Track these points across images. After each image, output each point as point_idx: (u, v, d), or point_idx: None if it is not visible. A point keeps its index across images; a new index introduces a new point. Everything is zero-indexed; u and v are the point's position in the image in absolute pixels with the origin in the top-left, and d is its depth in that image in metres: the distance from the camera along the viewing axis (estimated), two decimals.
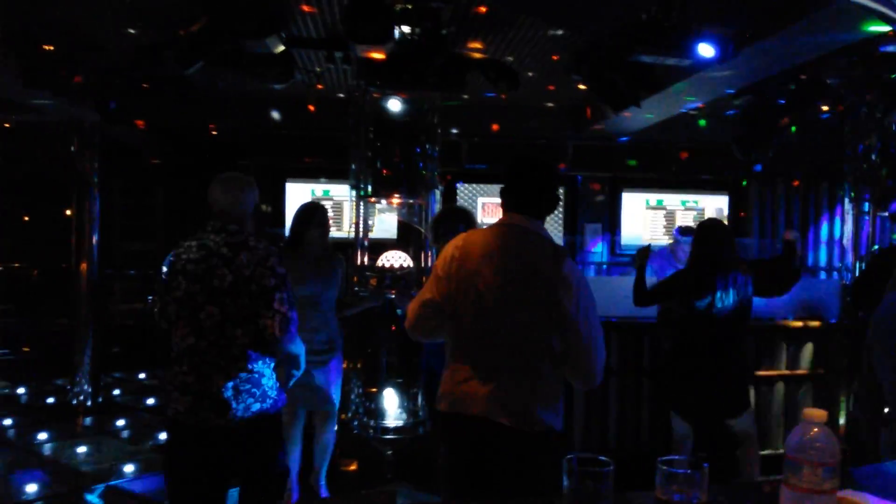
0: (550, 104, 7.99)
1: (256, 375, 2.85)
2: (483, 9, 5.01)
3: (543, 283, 2.55)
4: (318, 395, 4.32)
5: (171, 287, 2.86)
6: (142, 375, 8.23)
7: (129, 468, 5.20)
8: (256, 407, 2.84)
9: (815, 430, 1.31)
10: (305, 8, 5.01)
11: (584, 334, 2.54)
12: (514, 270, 2.60)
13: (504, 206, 2.77)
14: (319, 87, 7.02)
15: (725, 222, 7.91)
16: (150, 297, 9.36)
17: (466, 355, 2.64)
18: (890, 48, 4.88)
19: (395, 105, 5.97)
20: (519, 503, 2.32)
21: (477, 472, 2.60)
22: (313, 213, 4.42)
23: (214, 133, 8.89)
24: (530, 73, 6.48)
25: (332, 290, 4.37)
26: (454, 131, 7.94)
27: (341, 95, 7.37)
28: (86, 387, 6.92)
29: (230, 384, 2.79)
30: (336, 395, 4.44)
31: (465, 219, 4.32)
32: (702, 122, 7.65)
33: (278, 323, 2.81)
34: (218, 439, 2.81)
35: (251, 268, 2.82)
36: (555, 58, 6.02)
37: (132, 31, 5.59)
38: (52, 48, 5.76)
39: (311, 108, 7.99)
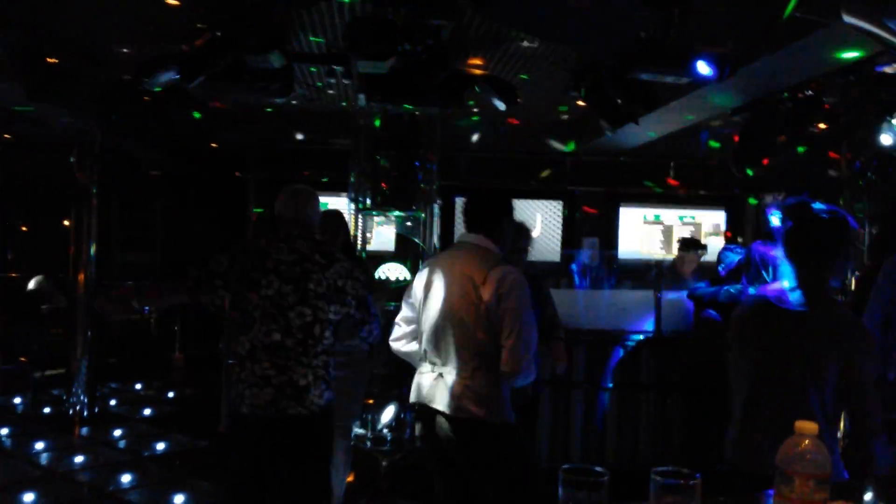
0: (549, 119, 8.05)
1: (328, 366, 3.07)
2: (486, 27, 5.07)
3: (474, 286, 2.91)
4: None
5: (259, 283, 2.99)
6: (138, 386, 8.22)
7: (126, 478, 5.20)
8: (328, 395, 3.05)
9: (807, 442, 1.33)
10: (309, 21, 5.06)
11: (508, 331, 2.86)
12: (455, 279, 2.98)
13: (466, 225, 3.18)
14: (320, 101, 7.06)
15: (723, 237, 7.97)
16: (146, 309, 9.40)
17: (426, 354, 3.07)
18: (886, 68, 4.94)
19: (395, 119, 6.03)
20: None
21: (435, 455, 3.04)
22: (327, 222, 4.36)
23: (214, 145, 8.94)
24: (528, 90, 6.54)
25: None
26: (452, 145, 7.97)
27: (341, 109, 7.41)
28: (83, 397, 6.91)
29: (310, 374, 2.98)
30: (352, 410, 4.31)
31: (525, 233, 4.36)
32: (714, 144, 7.68)
33: (376, 326, 3.18)
34: (292, 427, 2.97)
35: (343, 280, 3.07)
36: (555, 75, 6.07)
37: (136, 45, 5.63)
38: (55, 61, 5.80)
39: (304, 119, 8.03)
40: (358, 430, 5.18)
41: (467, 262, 3.01)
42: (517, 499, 2.88)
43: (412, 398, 3.08)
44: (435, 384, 2.96)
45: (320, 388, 3.01)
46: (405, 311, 3.19)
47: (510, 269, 2.98)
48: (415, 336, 3.14)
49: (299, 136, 8.47)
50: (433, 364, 3.00)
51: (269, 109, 7.60)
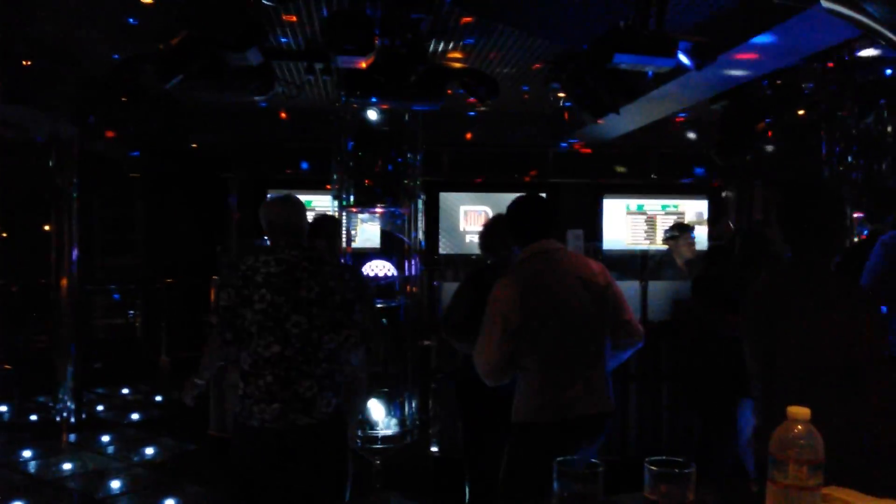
0: (530, 112, 8.06)
1: (333, 373, 3.05)
2: (464, 20, 5.05)
3: (592, 285, 3.03)
4: None
5: (251, 300, 2.99)
6: (125, 390, 8.16)
7: (115, 484, 5.16)
8: (335, 402, 3.05)
9: (800, 427, 1.34)
10: (290, 18, 5.02)
11: (624, 307, 3.13)
12: (573, 286, 3.01)
13: (523, 239, 3.13)
14: (300, 98, 7.02)
15: (705, 226, 8.02)
16: (131, 312, 9.34)
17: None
18: (864, 52, 4.97)
19: (376, 115, 6.00)
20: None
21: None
22: (319, 225, 4.29)
23: (194, 145, 8.87)
24: (510, 82, 6.54)
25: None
26: (436, 141, 7.96)
27: (322, 106, 7.38)
28: (69, 403, 6.85)
29: (315, 384, 2.98)
30: (354, 418, 4.26)
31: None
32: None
33: (357, 335, 3.09)
34: (303, 437, 2.97)
35: (334, 280, 3.05)
36: (535, 66, 6.07)
37: (111, 45, 5.58)
38: (30, 63, 5.74)
39: (287, 117, 7.99)
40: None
41: (577, 265, 3.09)
42: None
43: (554, 416, 2.94)
44: (588, 390, 2.96)
45: (327, 396, 3.01)
46: (504, 335, 2.95)
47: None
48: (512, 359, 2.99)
49: (280, 135, 8.42)
50: (572, 376, 2.95)
51: (249, 108, 7.56)
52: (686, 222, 6.89)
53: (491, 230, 4.18)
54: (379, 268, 5.62)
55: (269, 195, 8.22)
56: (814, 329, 2.27)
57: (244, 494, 3.08)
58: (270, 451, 3.00)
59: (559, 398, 2.94)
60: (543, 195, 3.31)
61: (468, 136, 8.43)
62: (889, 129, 5.77)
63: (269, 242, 3.23)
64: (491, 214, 8.72)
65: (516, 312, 2.92)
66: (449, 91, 5.49)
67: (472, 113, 8.11)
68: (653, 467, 1.39)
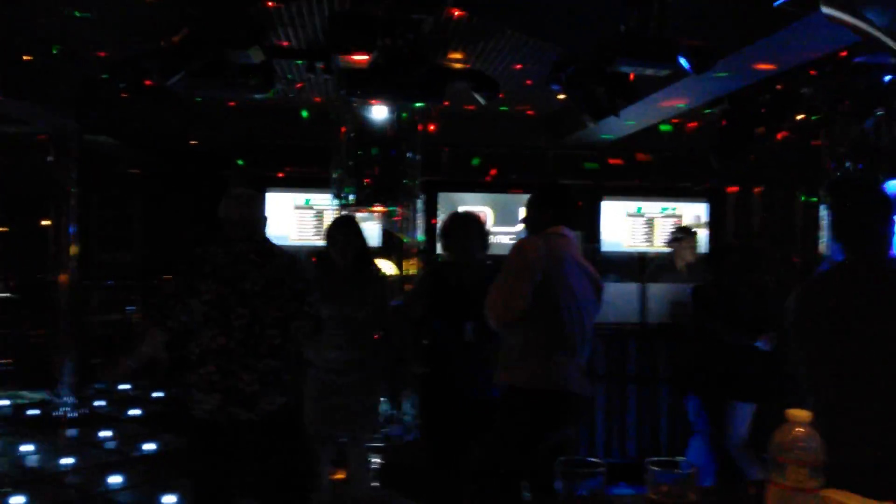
0: (530, 113, 8.07)
1: (280, 371, 3.03)
2: (467, 21, 5.07)
3: (597, 282, 3.30)
4: (340, 416, 4.12)
5: (199, 290, 3.00)
6: (124, 386, 8.15)
7: (115, 479, 5.17)
8: (281, 400, 3.03)
9: (799, 429, 1.36)
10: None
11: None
12: (586, 275, 3.24)
13: (544, 221, 3.28)
14: (300, 97, 7.03)
15: (705, 230, 8.05)
16: (130, 308, 9.33)
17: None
18: (862, 59, 5.00)
19: (377, 114, 6.02)
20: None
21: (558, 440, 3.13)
22: (335, 228, 4.31)
23: (194, 142, 8.86)
24: (510, 83, 6.55)
25: (363, 309, 4.13)
26: (436, 140, 7.96)
27: (322, 105, 7.38)
28: (68, 398, 6.85)
29: (257, 379, 2.97)
30: (364, 420, 4.22)
31: (478, 225, 4.16)
32: (665, 128, 7.73)
33: (310, 325, 3.08)
34: (246, 433, 2.97)
35: (281, 272, 3.05)
36: (529, 67, 6.09)
37: (113, 42, 5.58)
38: (31, 58, 5.74)
39: (286, 115, 8.00)
40: None
41: (584, 260, 3.31)
42: None
43: (545, 384, 3.09)
44: (579, 371, 3.14)
45: (271, 394, 3.00)
46: (529, 284, 3.06)
47: None
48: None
49: (280, 132, 8.42)
50: (572, 353, 3.14)
51: (250, 105, 7.56)
52: (690, 226, 6.93)
53: (448, 230, 4.22)
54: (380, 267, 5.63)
55: (267, 193, 8.25)
56: (874, 330, 2.21)
57: (201, 487, 3.08)
58: (214, 443, 3.01)
59: (559, 371, 3.08)
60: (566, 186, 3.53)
61: (469, 136, 8.43)
62: (887, 134, 5.80)
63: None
64: (491, 214, 8.74)
65: (540, 270, 3.06)
66: (449, 90, 5.52)
67: (472, 113, 8.11)
68: (654, 467, 1.41)
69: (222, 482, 3.04)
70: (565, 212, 3.30)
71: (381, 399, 5.36)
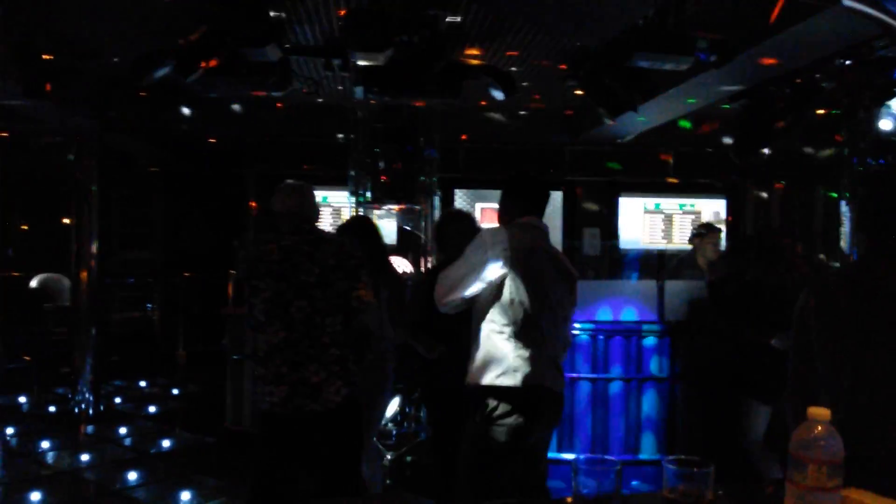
0: (547, 110, 8.03)
1: (345, 360, 3.07)
2: (483, 17, 5.05)
3: (571, 275, 3.20)
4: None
5: (259, 289, 3.06)
6: (142, 383, 8.23)
7: (132, 476, 5.21)
8: (346, 391, 3.05)
9: (820, 428, 1.33)
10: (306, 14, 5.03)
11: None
12: (556, 267, 3.14)
13: (514, 211, 3.18)
14: (318, 94, 7.04)
15: (723, 225, 7.97)
16: (149, 306, 9.41)
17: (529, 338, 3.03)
18: (883, 52, 4.92)
19: (394, 112, 6.02)
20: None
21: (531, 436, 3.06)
22: (349, 227, 4.33)
23: (212, 141, 8.91)
24: (527, 79, 6.52)
25: (377, 307, 4.04)
26: (453, 138, 7.95)
27: (339, 102, 7.39)
28: (88, 395, 6.92)
29: (322, 370, 3.00)
30: (376, 410, 4.15)
31: (471, 224, 4.15)
32: (684, 124, 7.67)
33: (370, 290, 3.13)
34: (312, 424, 3.00)
35: (335, 257, 3.08)
36: (552, 64, 6.05)
37: (131, 41, 5.61)
38: (52, 57, 5.78)
39: (303, 112, 8.02)
40: None
41: (556, 251, 3.24)
42: None
43: (514, 381, 2.97)
44: (543, 364, 3.02)
45: (336, 384, 3.03)
46: (479, 272, 2.99)
47: None
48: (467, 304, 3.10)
49: (298, 130, 8.44)
50: (533, 345, 2.99)
51: (267, 103, 7.58)
52: (714, 222, 6.88)
53: (441, 229, 4.21)
54: (395, 264, 5.63)
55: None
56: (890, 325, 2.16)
57: (260, 480, 3.11)
58: (280, 436, 3.05)
59: (525, 366, 2.98)
60: (540, 176, 3.43)
61: (485, 133, 8.41)
62: None
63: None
64: None
65: (500, 264, 2.98)
66: (466, 87, 5.50)
67: (489, 110, 8.09)
68: (671, 466, 1.39)
69: (284, 474, 3.08)
70: (535, 203, 3.21)
71: (397, 397, 5.37)
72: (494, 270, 2.96)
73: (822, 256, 8.01)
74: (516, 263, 2.97)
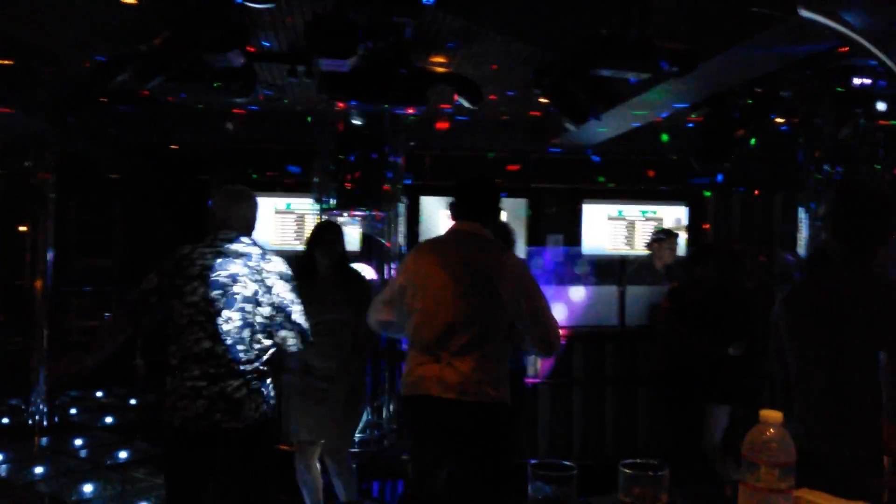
0: (512, 117, 8.07)
1: (265, 378, 2.96)
2: (449, 24, 5.06)
3: (486, 274, 3.00)
4: (325, 425, 4.09)
5: (182, 291, 2.89)
6: (99, 393, 8.07)
7: (88, 488, 5.10)
8: (264, 408, 2.94)
9: (771, 430, 1.34)
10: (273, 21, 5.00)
11: (532, 309, 2.99)
12: (462, 266, 3.04)
13: (454, 215, 3.24)
14: (282, 100, 7.00)
15: (685, 233, 8.07)
16: (107, 315, 9.23)
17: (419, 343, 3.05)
18: (841, 62, 5.03)
19: (359, 119, 5.99)
20: None
21: (438, 445, 3.02)
22: (317, 234, 4.32)
23: (174, 147, 8.80)
24: (492, 87, 6.54)
25: (346, 316, 4.10)
26: (416, 145, 7.95)
27: (304, 108, 7.35)
28: (42, 406, 6.76)
29: (244, 387, 2.86)
30: (347, 427, 4.20)
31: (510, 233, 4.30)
32: (664, 137, 7.79)
33: (299, 336, 3.00)
34: (227, 441, 2.87)
35: (272, 278, 2.96)
36: (517, 71, 6.09)
37: (92, 46, 5.53)
38: (10, 62, 5.67)
39: (266, 119, 7.98)
40: None
41: (475, 253, 3.07)
42: (507, 470, 3.03)
43: (409, 391, 3.02)
44: (442, 373, 2.93)
45: (256, 400, 2.91)
46: (389, 294, 3.19)
47: (517, 256, 3.23)
48: (392, 314, 3.17)
49: (262, 137, 8.38)
50: (437, 354, 2.96)
51: (231, 109, 7.51)
52: (672, 228, 6.97)
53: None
54: (360, 271, 5.59)
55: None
56: (842, 328, 2.24)
57: (175, 498, 3.00)
58: (191, 453, 2.90)
59: (415, 374, 3.00)
60: (489, 180, 3.37)
61: (451, 140, 8.43)
62: (865, 137, 5.85)
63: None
64: None
65: (402, 275, 3.15)
66: (431, 94, 5.51)
67: (455, 117, 8.11)
68: (626, 470, 1.39)
69: (198, 493, 2.96)
70: (466, 207, 3.18)
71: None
72: (399, 286, 3.14)
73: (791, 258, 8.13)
74: (413, 276, 3.08)
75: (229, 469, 2.94)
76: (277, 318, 2.97)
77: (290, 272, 3.08)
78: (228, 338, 2.87)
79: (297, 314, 3.00)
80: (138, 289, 3.00)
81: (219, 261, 2.95)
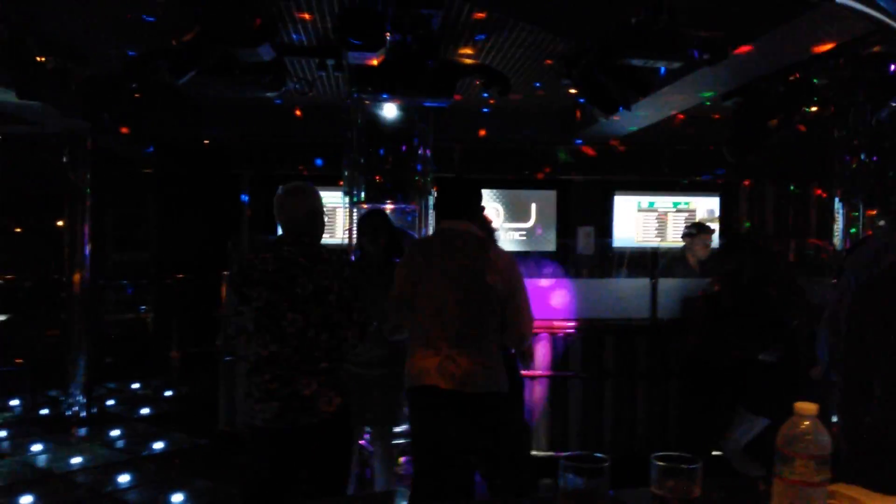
0: (541, 109, 8.03)
1: (334, 371, 3.02)
2: (476, 15, 5.04)
3: (478, 269, 3.16)
4: (376, 411, 4.16)
5: (250, 298, 2.96)
6: (135, 385, 8.20)
7: (124, 478, 5.19)
8: (338, 401, 3.00)
9: (807, 423, 1.32)
10: (302, 15, 5.03)
11: (514, 301, 3.17)
12: (455, 263, 3.19)
13: (439, 215, 3.41)
14: (311, 94, 7.02)
15: (717, 224, 7.98)
16: (142, 308, 9.37)
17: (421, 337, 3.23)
18: (876, 49, 4.92)
19: (388, 111, 6.00)
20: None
21: (439, 435, 3.16)
22: (362, 221, 4.39)
23: (206, 142, 8.90)
24: (521, 78, 6.52)
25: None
26: (447, 137, 7.94)
27: (333, 102, 7.38)
28: (79, 398, 6.89)
29: (313, 382, 2.94)
30: (393, 412, 4.27)
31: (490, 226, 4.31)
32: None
33: (358, 333, 3.06)
34: (306, 436, 2.95)
35: (330, 279, 3.00)
36: (547, 62, 6.05)
37: (124, 42, 5.60)
38: (44, 59, 5.76)
39: (300, 114, 8.02)
40: None
41: (465, 249, 3.21)
42: (518, 456, 3.27)
43: (413, 382, 3.21)
44: (442, 365, 3.11)
45: (328, 395, 2.96)
46: (396, 300, 3.33)
47: (505, 251, 3.34)
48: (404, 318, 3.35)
49: (292, 131, 8.43)
50: (437, 347, 3.13)
51: (261, 104, 7.57)
52: (705, 221, 6.87)
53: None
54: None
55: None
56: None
57: (252, 493, 3.07)
58: (274, 451, 2.98)
59: (417, 366, 3.18)
60: (470, 179, 3.57)
61: (480, 132, 8.41)
62: None
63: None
64: (501, 211, 8.70)
65: (401, 279, 3.28)
66: (460, 87, 5.50)
67: (483, 109, 8.09)
68: (659, 462, 1.37)
69: (276, 485, 3.01)
70: (452, 206, 3.34)
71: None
72: (402, 289, 3.28)
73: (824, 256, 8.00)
74: (412, 275, 3.24)
75: (307, 463, 3.01)
76: (337, 317, 3.00)
77: (346, 269, 3.11)
78: (294, 339, 2.94)
79: (357, 312, 3.05)
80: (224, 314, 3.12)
81: (279, 264, 2.99)
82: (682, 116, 7.03)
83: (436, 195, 3.49)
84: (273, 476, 3.00)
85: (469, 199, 3.37)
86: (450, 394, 3.10)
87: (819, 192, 8.72)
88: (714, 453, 4.51)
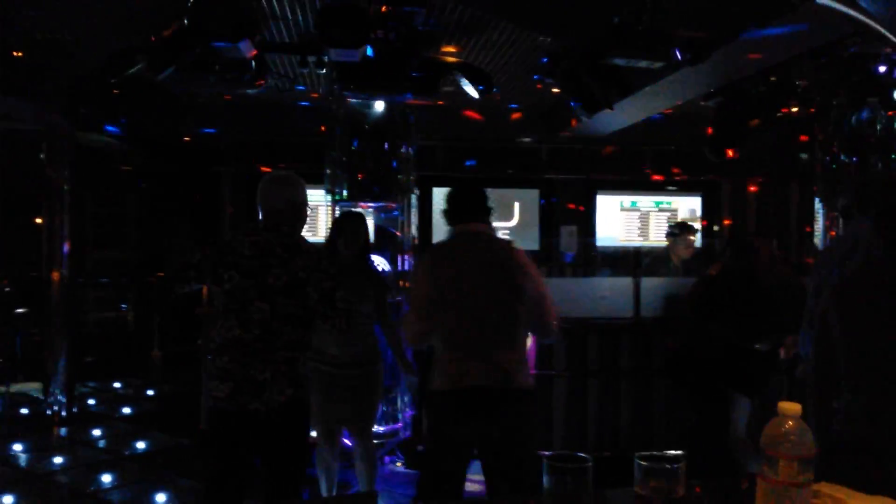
0: (524, 108, 8.04)
1: (293, 362, 3.01)
2: (459, 13, 5.04)
3: (505, 268, 3.19)
4: (349, 408, 4.15)
5: (222, 280, 2.99)
6: (117, 384, 8.13)
7: (106, 478, 5.14)
8: (290, 392, 2.99)
9: (790, 423, 1.33)
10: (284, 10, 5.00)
11: (538, 295, 3.21)
12: (483, 264, 3.20)
13: (451, 219, 3.40)
14: (294, 91, 7.00)
15: (698, 223, 8.03)
16: (123, 306, 9.29)
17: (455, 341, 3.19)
18: (856, 49, 4.97)
19: (371, 109, 5.99)
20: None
21: (472, 435, 3.14)
22: (340, 221, 4.38)
23: (187, 139, 8.83)
24: (504, 77, 6.52)
25: (365, 302, 4.14)
26: (428, 135, 7.93)
27: (315, 100, 7.35)
28: (60, 397, 6.82)
29: (268, 369, 2.94)
30: (371, 411, 4.27)
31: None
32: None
33: (343, 321, 3.04)
34: (254, 421, 2.94)
35: (306, 272, 2.99)
36: (530, 61, 6.06)
37: (104, 37, 5.54)
38: (21, 54, 5.70)
39: (282, 111, 7.98)
40: None
41: (491, 250, 3.27)
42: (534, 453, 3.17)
43: (447, 385, 3.14)
44: (485, 366, 3.09)
45: (281, 385, 2.96)
46: (419, 306, 3.23)
47: (520, 247, 3.35)
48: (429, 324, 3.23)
49: (274, 128, 8.39)
50: (476, 349, 3.12)
51: (243, 101, 7.52)
52: (687, 220, 6.93)
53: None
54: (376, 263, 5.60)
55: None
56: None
57: (214, 476, 3.08)
58: (224, 432, 3.01)
59: (454, 369, 3.13)
60: (478, 185, 3.55)
61: (463, 130, 8.41)
62: (880, 125, 5.78)
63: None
64: None
65: (427, 284, 3.20)
66: (443, 85, 5.49)
67: (466, 107, 8.09)
68: (642, 462, 1.38)
69: (231, 472, 3.03)
70: (466, 210, 3.37)
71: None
72: (424, 292, 3.22)
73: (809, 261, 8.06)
74: (438, 278, 3.19)
75: (259, 450, 3.03)
76: (316, 311, 3.02)
77: (324, 261, 3.10)
78: (257, 327, 2.94)
79: (340, 301, 3.05)
80: (182, 258, 3.10)
81: (254, 251, 3.00)
82: (667, 112, 7.05)
83: (446, 200, 3.45)
84: (223, 461, 3.03)
85: (482, 202, 3.41)
86: (496, 392, 3.10)
87: (800, 191, 8.81)
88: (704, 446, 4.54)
